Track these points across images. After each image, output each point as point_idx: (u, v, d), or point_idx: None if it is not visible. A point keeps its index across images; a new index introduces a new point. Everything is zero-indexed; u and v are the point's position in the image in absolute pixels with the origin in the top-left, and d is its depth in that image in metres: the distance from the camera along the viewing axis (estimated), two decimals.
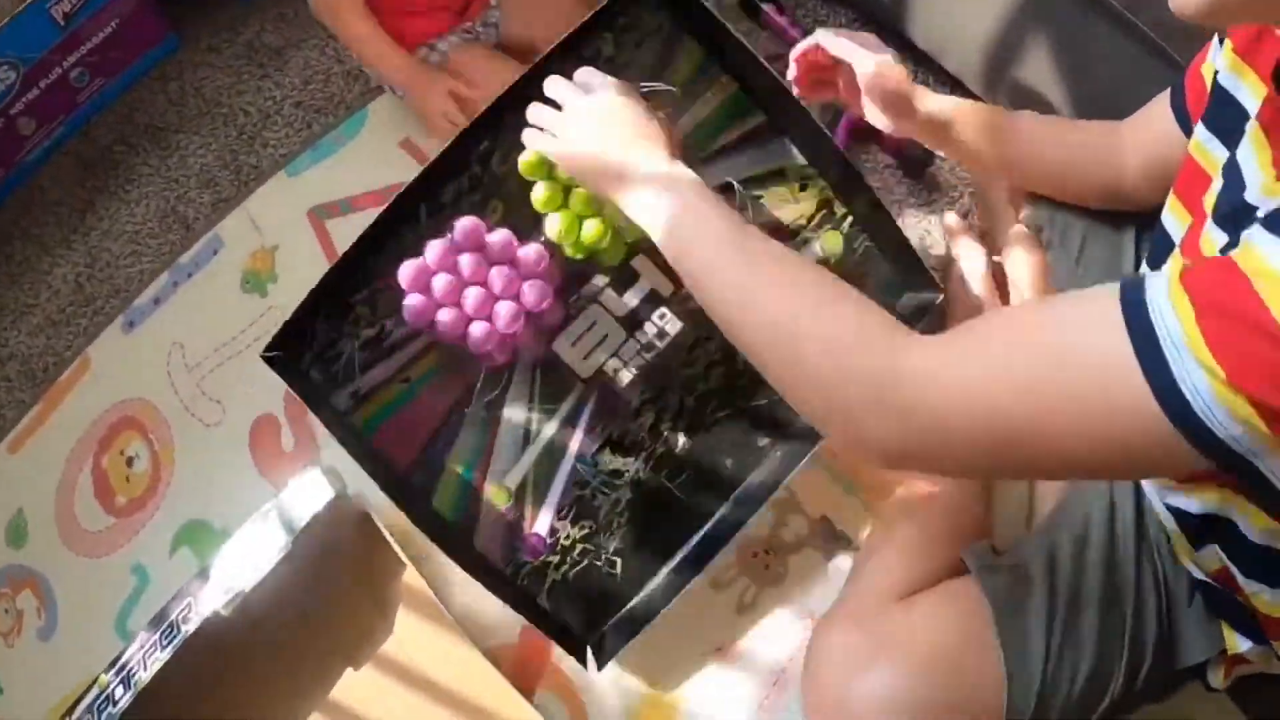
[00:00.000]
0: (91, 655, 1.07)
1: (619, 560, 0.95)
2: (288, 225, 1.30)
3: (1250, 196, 0.55)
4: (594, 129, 0.73)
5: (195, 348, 1.23)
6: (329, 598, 1.01)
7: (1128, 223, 0.86)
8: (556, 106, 0.77)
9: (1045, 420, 0.45)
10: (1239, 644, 0.70)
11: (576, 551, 0.95)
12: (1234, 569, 0.65)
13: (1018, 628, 0.72)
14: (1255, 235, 0.42)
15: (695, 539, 0.96)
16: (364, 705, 0.97)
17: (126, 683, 0.91)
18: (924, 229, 1.19)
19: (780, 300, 0.58)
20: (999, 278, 1.00)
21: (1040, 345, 0.47)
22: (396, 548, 0.96)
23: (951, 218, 1.00)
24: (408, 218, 0.93)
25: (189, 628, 0.90)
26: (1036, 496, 0.97)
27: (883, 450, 0.52)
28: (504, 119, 0.90)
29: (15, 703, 1.10)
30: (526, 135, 0.78)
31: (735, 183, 0.96)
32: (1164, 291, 0.42)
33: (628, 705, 0.98)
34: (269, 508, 0.97)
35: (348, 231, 1.26)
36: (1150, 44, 0.93)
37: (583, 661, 0.90)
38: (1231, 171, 0.58)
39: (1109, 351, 0.43)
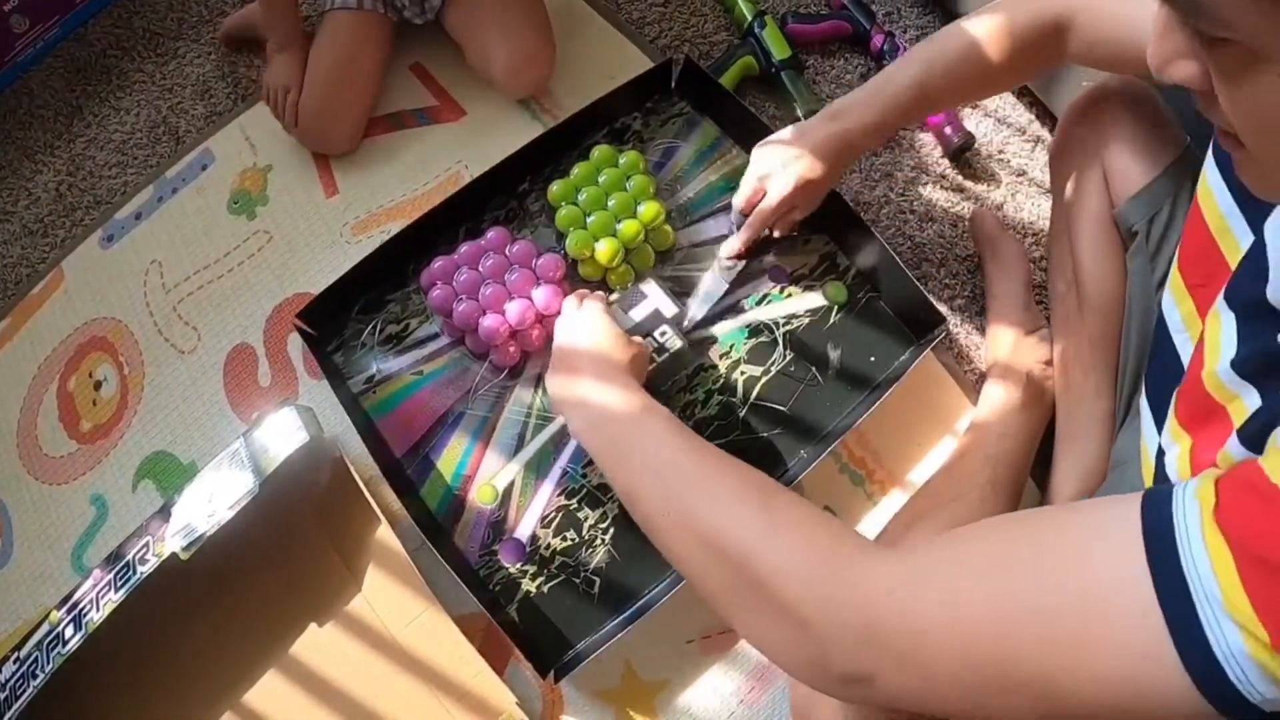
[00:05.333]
0: (46, 587, 1.03)
1: (597, 580, 0.93)
2: (284, 145, 1.22)
3: (1275, 295, 0.47)
4: (570, 347, 0.80)
5: (175, 268, 1.16)
6: (296, 548, 0.95)
7: None
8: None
9: (1039, 658, 0.39)
10: None
11: (555, 565, 0.94)
12: None
13: None
14: None
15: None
16: (325, 664, 0.92)
17: (77, 622, 0.86)
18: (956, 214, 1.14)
19: (727, 520, 0.54)
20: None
21: (1043, 567, 0.40)
22: (371, 501, 0.90)
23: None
24: (449, 235, 1.07)
25: (145, 569, 0.86)
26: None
27: (855, 681, 0.46)
28: (541, 168, 1.10)
29: None
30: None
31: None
32: (1197, 532, 0.35)
33: (604, 688, 0.93)
34: (238, 446, 0.90)
35: (349, 158, 1.20)
36: None
37: (543, 676, 0.86)
38: (1256, 258, 0.50)
39: (1125, 591, 0.36)
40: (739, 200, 0.98)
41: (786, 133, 0.92)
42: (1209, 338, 0.55)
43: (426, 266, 1.01)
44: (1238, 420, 0.50)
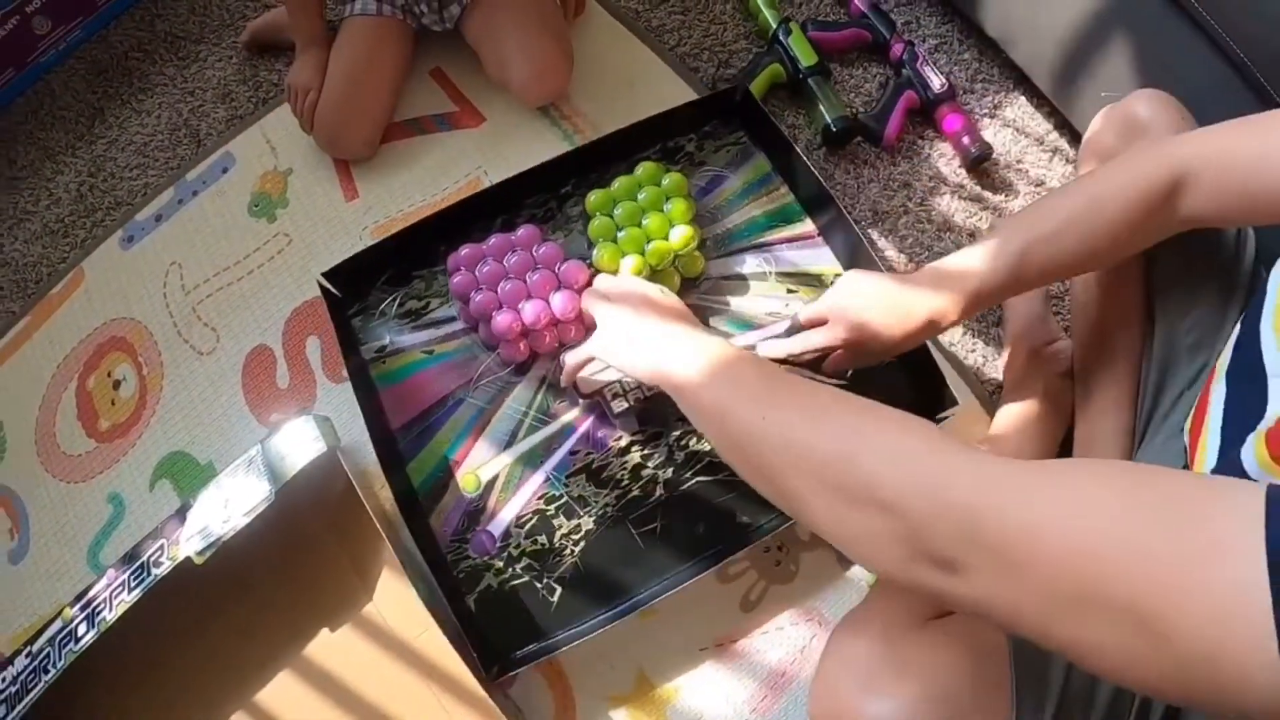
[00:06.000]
0: (61, 584, 1.04)
1: (558, 590, 0.92)
2: (304, 149, 1.23)
3: None
4: (627, 315, 0.78)
5: (194, 270, 1.17)
6: (309, 554, 0.96)
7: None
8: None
9: (1138, 595, 0.38)
10: None
11: (521, 565, 0.93)
12: None
13: (1034, 675, 0.67)
14: None
15: (641, 595, 0.91)
16: (337, 668, 0.92)
17: (91, 620, 0.86)
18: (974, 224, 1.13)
19: (826, 430, 0.54)
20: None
21: (1158, 510, 0.39)
22: (373, 518, 0.89)
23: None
24: (485, 223, 1.05)
25: (160, 571, 0.86)
26: None
27: (945, 566, 0.46)
28: (586, 174, 1.07)
29: None
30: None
31: (771, 272, 1.04)
32: None
33: (617, 694, 0.93)
34: (255, 453, 0.90)
35: (369, 163, 1.21)
36: (1231, 56, 0.88)
37: (485, 671, 0.86)
38: None
39: (1236, 561, 0.36)
40: (804, 316, 0.89)
41: (888, 280, 0.82)
42: None
43: (456, 250, 1.00)
44: None
